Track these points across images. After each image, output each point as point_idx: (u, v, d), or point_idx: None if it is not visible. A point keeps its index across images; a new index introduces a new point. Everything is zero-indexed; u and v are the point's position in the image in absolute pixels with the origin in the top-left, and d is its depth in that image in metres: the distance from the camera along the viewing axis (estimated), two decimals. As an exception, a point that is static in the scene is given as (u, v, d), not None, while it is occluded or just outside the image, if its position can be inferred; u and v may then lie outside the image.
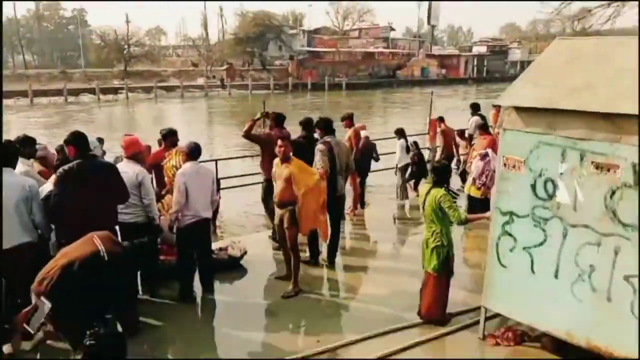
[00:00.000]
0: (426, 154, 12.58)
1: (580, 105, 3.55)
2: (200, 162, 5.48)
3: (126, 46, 60.32)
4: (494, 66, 77.29)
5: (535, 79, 4.00)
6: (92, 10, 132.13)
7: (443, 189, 4.74)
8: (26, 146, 5.04)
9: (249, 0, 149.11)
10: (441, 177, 4.82)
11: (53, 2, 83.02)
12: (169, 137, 6.37)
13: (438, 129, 10.88)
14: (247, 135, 6.59)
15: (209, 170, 5.45)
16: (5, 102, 42.59)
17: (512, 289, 4.24)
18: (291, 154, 5.43)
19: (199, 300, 5.54)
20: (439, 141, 11.08)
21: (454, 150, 10.68)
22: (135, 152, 5.17)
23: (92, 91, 47.44)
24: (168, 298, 5.46)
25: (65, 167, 4.35)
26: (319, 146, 6.17)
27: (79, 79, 54.76)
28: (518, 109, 3.98)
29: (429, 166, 9.59)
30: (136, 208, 5.07)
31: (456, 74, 74.59)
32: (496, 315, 4.60)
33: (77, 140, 4.46)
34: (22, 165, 4.80)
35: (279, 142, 5.41)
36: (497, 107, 10.48)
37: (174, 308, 5.30)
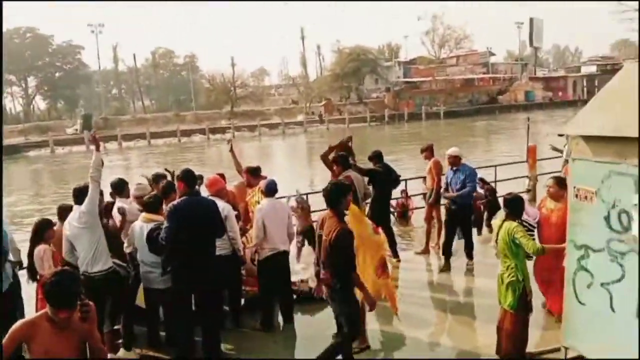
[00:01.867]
0: (525, 183, 12.11)
1: (651, 133, 3.36)
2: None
3: (232, 88, 64.34)
4: (607, 86, 71.94)
5: (603, 106, 3.85)
6: (202, 56, 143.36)
7: (516, 221, 4.61)
8: (119, 188, 5.72)
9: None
10: (514, 210, 4.69)
11: (168, 51, 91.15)
12: (251, 174, 6.84)
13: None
14: (324, 159, 6.88)
15: (285, 206, 5.76)
16: (126, 143, 47.23)
17: (591, 327, 3.99)
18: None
19: (280, 330, 5.78)
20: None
21: None
22: (218, 190, 5.62)
23: (202, 131, 51.12)
24: (250, 327, 5.76)
25: (175, 203, 4.79)
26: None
27: (190, 121, 59.38)
28: (586, 138, 3.84)
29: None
30: (222, 241, 5.44)
31: (564, 97, 70.52)
32: (579, 357, 4.33)
33: (187, 177, 4.91)
34: (120, 203, 5.52)
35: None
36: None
37: (256, 337, 5.58)
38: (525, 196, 8.33)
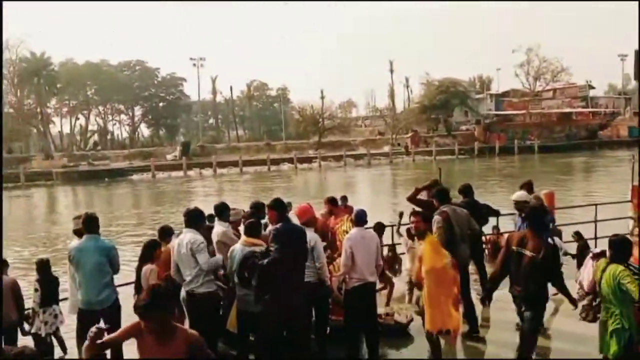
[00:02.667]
0: (630, 225, 11.25)
1: None
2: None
3: (321, 119, 65.89)
4: None
5: None
6: (294, 88, 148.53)
7: (622, 265, 4.32)
8: (223, 212, 6.04)
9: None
10: (620, 252, 4.38)
11: (262, 84, 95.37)
12: (332, 204, 7.02)
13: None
14: (411, 200, 6.83)
15: (374, 236, 5.77)
16: (220, 170, 49.70)
17: None
18: (427, 230, 5.48)
19: (364, 362, 5.75)
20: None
21: None
22: (309, 219, 5.78)
23: (290, 160, 52.65)
24: (335, 358, 5.78)
25: (274, 228, 5.01)
26: (435, 217, 6.00)
27: (280, 150, 61.46)
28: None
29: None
30: (309, 269, 5.55)
31: (673, 133, 64.90)
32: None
33: (277, 205, 5.18)
34: (219, 226, 5.85)
35: (412, 217, 5.58)
36: None
37: (340, 367, 5.60)
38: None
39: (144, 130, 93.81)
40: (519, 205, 6.97)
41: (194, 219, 5.32)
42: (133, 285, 5.88)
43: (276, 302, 4.81)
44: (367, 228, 5.88)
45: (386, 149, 58.48)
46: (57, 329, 6.35)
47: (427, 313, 5.26)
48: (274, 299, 4.81)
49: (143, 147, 71.60)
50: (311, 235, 5.58)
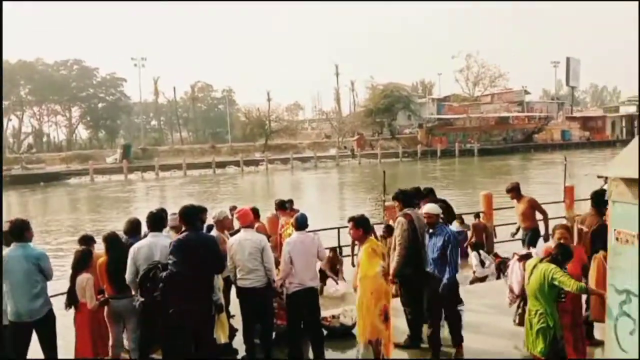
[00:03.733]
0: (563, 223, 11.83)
1: (695, 176, 3.30)
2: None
3: (267, 122, 65.53)
4: (648, 127, 70.33)
5: (644, 149, 3.79)
6: (239, 90, 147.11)
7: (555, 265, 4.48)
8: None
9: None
10: (563, 258, 4.52)
11: (206, 85, 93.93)
12: (280, 207, 6.96)
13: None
14: None
15: (313, 240, 5.75)
16: (163, 174, 48.40)
17: (634, 376, 3.84)
18: (363, 236, 5.42)
19: (309, 365, 5.73)
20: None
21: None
22: (250, 222, 5.72)
23: (236, 163, 51.99)
24: (280, 361, 5.74)
25: (175, 239, 4.83)
26: (399, 219, 5.85)
27: (226, 153, 60.59)
28: (626, 180, 3.78)
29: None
30: (257, 273, 5.48)
31: (602, 137, 69.19)
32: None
33: (185, 214, 4.98)
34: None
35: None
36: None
37: (284, 371, 5.55)
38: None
39: (82, 132, 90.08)
40: (432, 219, 5.57)
41: (158, 222, 5.20)
42: (66, 295, 5.57)
43: (179, 314, 4.63)
44: (308, 232, 5.84)
45: (333, 151, 58.91)
46: None
47: (358, 322, 5.30)
48: (176, 311, 4.63)
49: (81, 150, 68.74)
50: (261, 237, 5.55)
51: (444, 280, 5.28)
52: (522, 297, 5.27)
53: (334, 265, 9.24)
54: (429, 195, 7.01)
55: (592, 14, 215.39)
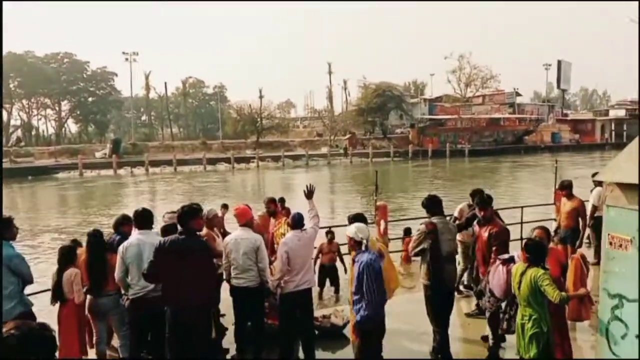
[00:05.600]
0: (552, 226, 11.87)
1: (689, 182, 3.31)
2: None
3: (259, 119, 65.38)
4: (635, 131, 70.83)
5: (638, 153, 3.80)
6: (231, 87, 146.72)
7: (540, 267, 4.48)
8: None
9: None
10: (536, 255, 4.53)
11: (198, 81, 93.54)
12: (272, 204, 6.91)
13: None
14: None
15: (310, 239, 5.72)
16: (153, 169, 48.12)
17: (625, 380, 3.84)
18: None
19: (299, 365, 5.69)
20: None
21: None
22: (248, 221, 5.66)
23: (227, 160, 51.83)
24: (270, 360, 5.70)
25: (161, 240, 4.71)
26: (420, 226, 5.56)
27: (217, 149, 60.36)
28: (621, 185, 3.78)
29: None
30: (251, 272, 5.45)
31: (591, 140, 69.85)
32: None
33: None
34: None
35: None
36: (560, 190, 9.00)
37: (275, 371, 5.51)
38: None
39: (72, 127, 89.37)
40: (349, 243, 5.03)
41: (147, 220, 5.15)
42: (50, 292, 5.48)
43: (172, 303, 4.64)
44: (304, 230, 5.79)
45: (324, 150, 58.90)
46: None
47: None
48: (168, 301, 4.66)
49: (70, 144, 68.14)
50: (257, 236, 5.51)
51: (357, 318, 4.76)
52: (507, 302, 5.21)
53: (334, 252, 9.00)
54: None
55: (585, 18, 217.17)
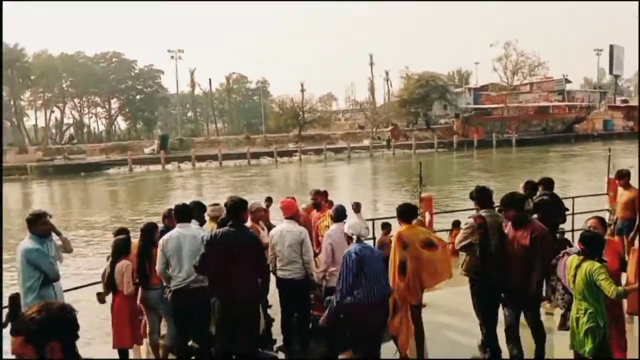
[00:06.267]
0: (606, 217, 11.43)
1: None
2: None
3: (301, 113, 65.67)
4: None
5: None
6: (273, 82, 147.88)
7: (597, 260, 4.30)
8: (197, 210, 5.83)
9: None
10: (592, 248, 4.33)
11: (241, 77, 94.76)
12: (318, 196, 6.94)
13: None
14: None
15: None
16: (199, 164, 49.21)
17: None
18: None
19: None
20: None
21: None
22: (293, 214, 5.72)
23: (270, 154, 52.39)
24: (318, 352, 5.74)
25: (213, 233, 4.87)
26: (468, 220, 5.31)
27: (260, 144, 61.11)
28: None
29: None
30: (296, 265, 5.50)
31: (646, 126, 66.58)
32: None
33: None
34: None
35: None
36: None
37: (321, 362, 5.55)
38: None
39: (121, 124, 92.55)
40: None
41: (186, 214, 5.27)
42: (102, 283, 5.69)
43: (220, 296, 4.77)
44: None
45: (366, 142, 58.59)
46: None
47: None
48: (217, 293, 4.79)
49: (120, 141, 70.51)
50: (302, 228, 5.57)
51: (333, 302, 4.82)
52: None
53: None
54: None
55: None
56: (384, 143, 57.51)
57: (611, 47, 75.74)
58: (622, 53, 76.64)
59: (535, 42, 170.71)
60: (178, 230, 5.15)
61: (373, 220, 9.49)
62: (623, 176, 8.26)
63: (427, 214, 10.18)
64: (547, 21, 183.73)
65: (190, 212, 5.36)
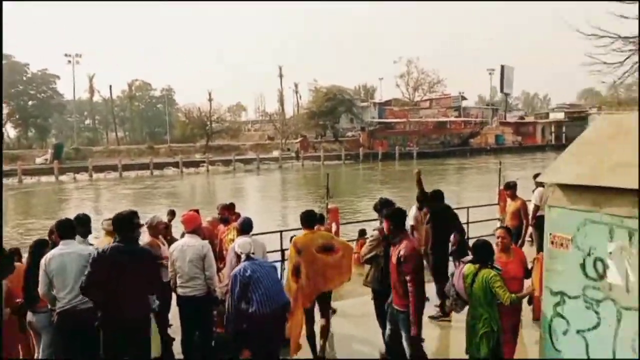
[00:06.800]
0: (497, 225, 12.23)
1: (624, 183, 3.44)
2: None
3: (208, 122, 64.29)
4: (573, 133, 74.24)
5: (578, 155, 3.93)
6: (179, 89, 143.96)
7: (490, 268, 4.57)
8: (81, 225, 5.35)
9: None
10: (483, 255, 4.62)
11: (145, 84, 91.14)
12: (225, 211, 6.75)
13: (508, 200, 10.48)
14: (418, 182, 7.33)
15: (260, 244, 5.62)
16: (97, 175, 46.38)
17: (568, 375, 3.96)
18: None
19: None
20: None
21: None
22: (195, 227, 5.50)
23: (175, 165, 50.61)
24: (221, 371, 5.55)
25: (100, 249, 4.52)
26: (374, 232, 5.62)
27: (164, 154, 58.86)
28: (562, 186, 3.90)
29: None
30: (197, 281, 5.30)
31: (533, 142, 72.85)
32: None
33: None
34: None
35: None
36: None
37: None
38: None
39: (10, 131, 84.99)
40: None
41: (70, 230, 4.91)
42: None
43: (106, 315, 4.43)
44: (254, 235, 5.70)
45: (275, 153, 58.57)
46: None
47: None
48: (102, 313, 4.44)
49: (9, 149, 64.82)
50: (204, 242, 5.36)
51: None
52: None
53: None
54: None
55: (528, 25, 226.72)
56: (293, 154, 57.89)
57: (502, 67, 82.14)
58: (511, 73, 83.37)
59: (434, 60, 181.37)
60: (61, 247, 4.75)
61: (281, 232, 9.45)
62: (510, 187, 9.03)
63: (333, 225, 10.33)
64: (445, 40, 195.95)
65: (74, 228, 4.97)
